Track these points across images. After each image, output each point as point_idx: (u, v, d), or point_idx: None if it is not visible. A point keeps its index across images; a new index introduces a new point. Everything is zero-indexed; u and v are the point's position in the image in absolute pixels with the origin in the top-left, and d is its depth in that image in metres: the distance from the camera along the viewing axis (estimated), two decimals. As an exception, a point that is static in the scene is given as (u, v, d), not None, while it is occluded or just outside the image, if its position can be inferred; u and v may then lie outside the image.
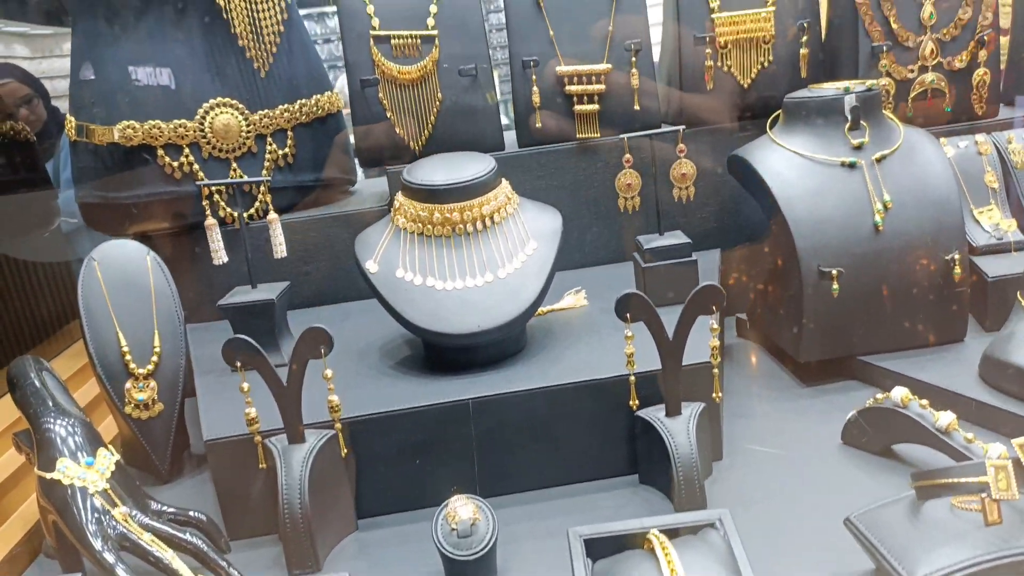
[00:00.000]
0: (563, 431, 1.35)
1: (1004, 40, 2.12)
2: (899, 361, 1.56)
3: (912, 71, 1.84)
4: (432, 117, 1.85)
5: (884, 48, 1.81)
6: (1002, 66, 2.05)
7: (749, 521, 1.11)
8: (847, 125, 1.60)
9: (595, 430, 1.35)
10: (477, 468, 1.34)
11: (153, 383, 1.45)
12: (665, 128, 1.71)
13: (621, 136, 1.65)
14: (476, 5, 1.84)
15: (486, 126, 1.89)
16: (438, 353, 1.47)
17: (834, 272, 1.52)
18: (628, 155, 1.66)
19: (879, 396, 1.32)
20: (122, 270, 1.49)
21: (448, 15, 1.82)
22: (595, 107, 1.86)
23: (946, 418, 1.22)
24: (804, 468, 1.35)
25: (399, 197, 1.51)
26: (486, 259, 1.44)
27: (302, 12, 1.99)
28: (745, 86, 1.89)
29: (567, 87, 1.86)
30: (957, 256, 1.54)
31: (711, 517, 0.96)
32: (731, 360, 1.82)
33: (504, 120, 2.04)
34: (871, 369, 1.58)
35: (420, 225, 1.46)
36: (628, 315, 1.23)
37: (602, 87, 1.86)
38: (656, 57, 1.99)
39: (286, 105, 1.85)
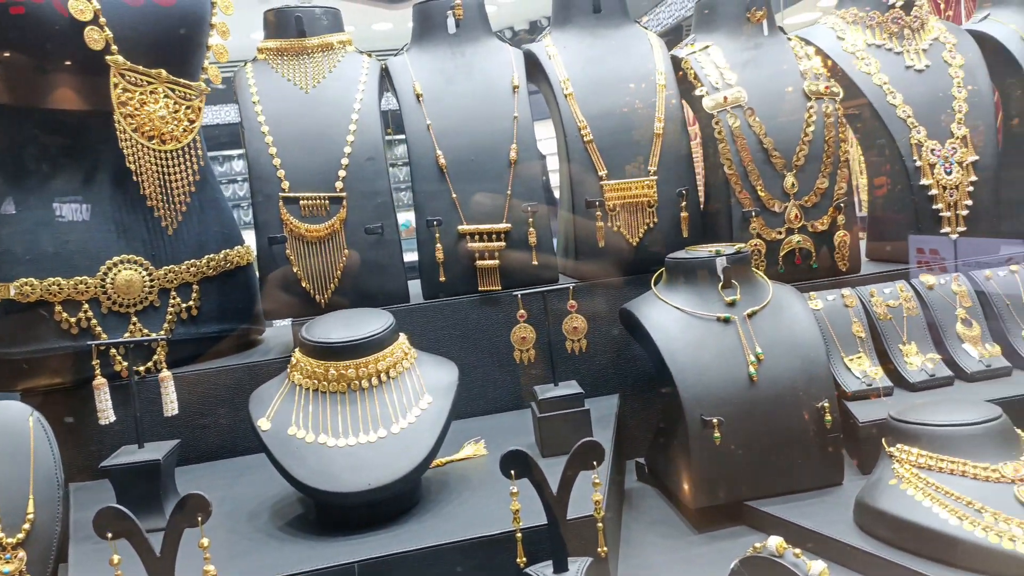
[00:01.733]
0: (453, 591, 1.33)
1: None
2: (782, 506, 1.62)
3: (780, 233, 2.04)
4: (338, 272, 1.92)
5: (753, 213, 2.01)
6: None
7: None
8: (720, 284, 1.75)
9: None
10: (363, 638, 1.29)
11: (22, 553, 1.37)
12: (557, 285, 1.82)
13: (515, 291, 1.74)
14: (382, 168, 1.97)
15: (391, 280, 1.97)
16: (330, 512, 1.45)
17: (715, 420, 1.61)
18: (522, 310, 1.76)
19: (757, 545, 1.37)
20: (1, 432, 1.44)
21: (356, 178, 1.94)
22: (495, 263, 1.98)
23: (817, 568, 1.27)
24: (693, 621, 1.36)
25: (296, 354, 1.54)
26: (380, 415, 1.47)
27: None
28: (634, 244, 2.06)
29: (469, 244, 1.98)
30: (826, 403, 1.66)
31: None
32: (630, 506, 1.85)
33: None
34: (757, 514, 1.64)
35: (316, 382, 1.49)
36: (512, 472, 1.26)
37: (502, 244, 1.99)
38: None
39: (192, 260, 1.89)
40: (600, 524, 1.31)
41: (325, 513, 1.46)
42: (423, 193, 1.98)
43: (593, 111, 2.06)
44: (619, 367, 2.09)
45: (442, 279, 1.97)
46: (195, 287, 1.91)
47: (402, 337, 1.59)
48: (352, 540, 1.36)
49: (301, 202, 1.90)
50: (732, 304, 1.74)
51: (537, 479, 1.26)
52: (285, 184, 1.91)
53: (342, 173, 1.93)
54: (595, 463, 1.27)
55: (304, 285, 1.91)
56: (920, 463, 1.45)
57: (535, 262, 2.00)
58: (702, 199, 2.20)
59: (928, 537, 1.35)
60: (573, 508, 1.34)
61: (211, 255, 1.94)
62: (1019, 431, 1.50)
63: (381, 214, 1.95)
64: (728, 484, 1.65)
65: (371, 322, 1.55)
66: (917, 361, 1.95)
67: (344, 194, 1.92)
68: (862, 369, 1.93)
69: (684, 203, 2.06)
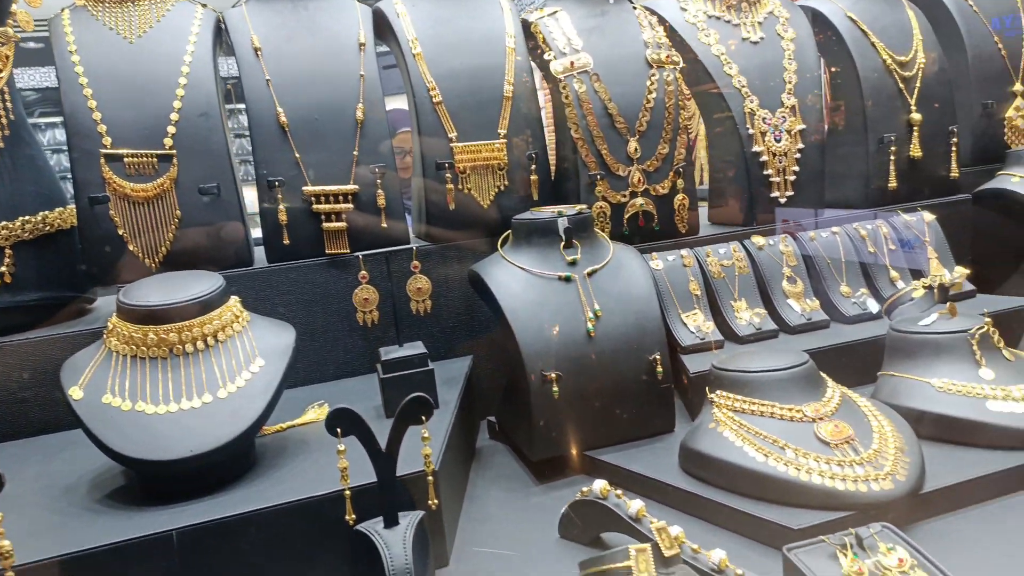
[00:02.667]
0: (282, 555, 1.31)
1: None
2: (617, 454, 1.70)
3: (624, 196, 2.11)
4: (170, 235, 1.82)
5: (599, 177, 2.07)
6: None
7: None
8: (562, 244, 1.79)
9: (317, 549, 1.32)
10: (185, 605, 1.25)
11: None
12: (400, 247, 1.81)
13: (357, 254, 1.71)
14: (218, 125, 1.87)
15: (231, 243, 1.89)
16: (153, 482, 1.39)
17: (553, 375, 1.65)
18: (363, 271, 1.73)
19: (584, 490, 1.43)
20: None
21: (188, 134, 1.84)
22: (342, 225, 1.94)
23: (635, 506, 1.34)
24: (523, 566, 1.40)
25: (112, 319, 1.45)
26: (205, 380, 1.41)
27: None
28: (485, 207, 2.07)
29: (315, 206, 1.92)
30: (658, 356, 1.74)
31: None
32: (478, 463, 1.88)
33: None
34: (595, 463, 1.71)
35: (134, 347, 1.41)
36: (339, 430, 1.24)
37: (350, 206, 1.94)
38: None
39: (4, 223, 1.73)
40: (430, 478, 1.32)
41: (148, 483, 1.39)
42: (264, 153, 1.90)
43: (442, 72, 2.04)
44: (473, 330, 2.11)
45: (286, 242, 1.91)
46: (8, 252, 1.75)
47: (233, 300, 1.53)
48: (173, 509, 1.31)
49: (125, 159, 1.78)
50: (573, 263, 1.79)
51: (364, 435, 1.26)
52: (107, 140, 1.77)
53: (171, 129, 1.82)
54: (424, 418, 1.28)
55: (132, 248, 1.80)
56: (736, 407, 1.55)
57: (384, 224, 1.97)
58: (552, 163, 2.23)
59: (738, 474, 1.45)
60: (408, 465, 1.35)
61: (26, 217, 1.78)
62: (824, 375, 1.64)
63: (217, 173, 1.85)
64: (567, 436, 1.70)
65: (196, 284, 1.48)
66: (746, 316, 2.09)
67: (174, 152, 1.81)
68: (696, 324, 2.04)
69: (534, 166, 2.08)
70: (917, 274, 2.28)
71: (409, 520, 1.31)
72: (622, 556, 0.98)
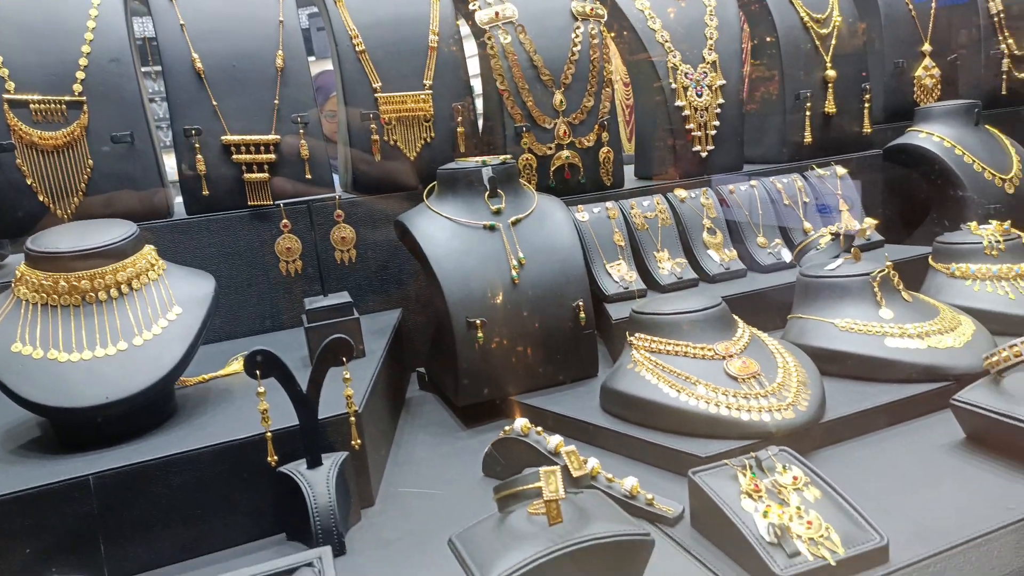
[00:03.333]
0: (205, 499, 1.31)
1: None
2: (542, 398, 1.75)
3: (550, 148, 2.14)
4: (82, 184, 1.76)
5: (524, 129, 2.09)
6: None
7: (384, 559, 1.20)
8: (487, 193, 1.80)
9: (239, 493, 1.33)
10: (104, 549, 1.24)
11: None
12: (322, 196, 1.79)
13: (278, 202, 1.70)
14: (130, 71, 1.81)
15: (148, 193, 1.84)
16: (69, 431, 1.36)
17: (478, 322, 1.68)
18: (285, 220, 1.72)
19: (507, 428, 1.47)
20: None
21: (98, 80, 1.77)
22: (264, 176, 1.91)
23: (554, 441, 1.39)
24: (448, 504, 1.44)
25: (20, 267, 1.40)
26: (120, 327, 1.39)
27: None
28: (411, 158, 2.06)
29: (235, 156, 1.88)
30: (581, 303, 1.79)
31: (308, 557, 1.00)
32: (407, 412, 1.90)
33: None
34: (520, 408, 1.75)
35: (44, 295, 1.37)
36: (257, 372, 1.25)
37: (272, 156, 1.91)
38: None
39: (-101, 170, 1.65)
40: (353, 419, 1.34)
41: (65, 432, 1.37)
42: (179, 100, 1.85)
43: (365, 20, 2.01)
44: (402, 283, 2.11)
45: (205, 192, 1.87)
46: (-96, 203, 1.67)
47: (148, 248, 1.50)
48: (90, 456, 1.29)
49: (31, 106, 1.71)
50: (498, 212, 1.81)
51: (283, 376, 1.26)
52: (10, 85, 1.70)
53: (80, 75, 1.75)
54: (344, 359, 1.29)
55: (42, 199, 1.74)
56: (652, 347, 1.61)
57: (308, 175, 1.94)
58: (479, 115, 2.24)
59: (654, 409, 1.51)
60: (331, 408, 1.37)
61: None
62: (736, 317, 1.71)
63: (130, 121, 1.80)
64: (492, 382, 1.74)
65: (108, 232, 1.44)
66: (668, 266, 2.15)
67: (84, 98, 1.75)
68: (620, 274, 2.09)
69: (460, 118, 2.09)
70: (829, 225, 2.39)
71: (332, 461, 1.34)
72: (533, 478, 1.02)
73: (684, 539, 1.22)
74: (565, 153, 2.15)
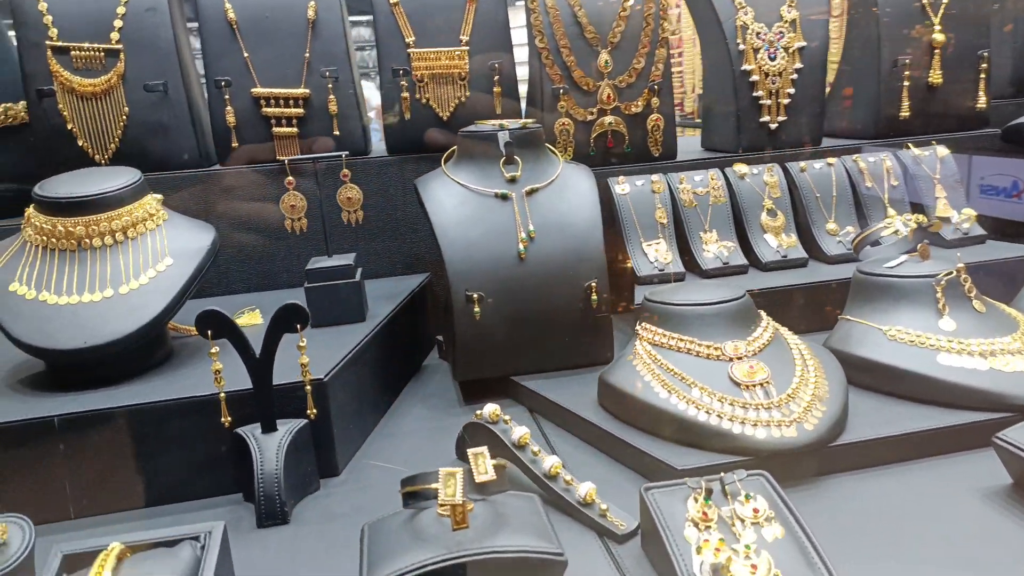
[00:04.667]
0: (169, 450, 1.33)
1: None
2: (544, 382, 1.64)
3: (592, 113, 1.98)
4: (119, 131, 1.82)
5: (562, 90, 1.94)
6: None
7: (320, 533, 1.18)
8: (502, 160, 1.69)
9: (202, 449, 1.34)
10: (69, 488, 1.29)
11: None
12: (331, 153, 1.75)
13: (282, 159, 1.67)
14: (166, 21, 1.83)
15: (180, 142, 1.88)
16: (58, 371, 1.42)
17: (475, 296, 1.60)
18: (290, 177, 1.69)
19: (479, 412, 1.39)
20: None
21: (135, 29, 1.81)
22: (293, 130, 1.89)
23: (519, 433, 1.30)
24: (410, 483, 1.39)
25: (29, 210, 1.47)
26: (110, 275, 1.42)
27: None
28: (444, 119, 1.98)
29: (264, 109, 1.88)
30: (594, 283, 1.65)
31: (197, 531, 0.97)
32: (417, 381, 1.86)
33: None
34: (519, 389, 1.66)
35: (45, 238, 1.43)
36: (209, 332, 1.23)
37: (301, 111, 1.89)
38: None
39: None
40: (308, 387, 1.31)
41: (54, 371, 1.43)
42: (212, 51, 1.86)
43: (403, -31, 1.93)
44: (433, 247, 2.05)
45: (235, 144, 1.88)
46: (-34, 142, 1.79)
47: (150, 197, 1.52)
48: (66, 396, 1.34)
49: (72, 52, 1.77)
50: (513, 180, 1.70)
51: (235, 339, 1.24)
52: (53, 32, 1.76)
53: (118, 23, 1.79)
54: (299, 326, 1.26)
55: (81, 144, 1.81)
56: (656, 341, 1.46)
57: (336, 132, 1.91)
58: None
59: (642, 409, 1.37)
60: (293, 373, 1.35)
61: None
62: (762, 314, 1.52)
63: (164, 71, 1.82)
64: (493, 359, 1.65)
65: (111, 180, 1.47)
66: (714, 248, 1.96)
67: (120, 46, 1.79)
68: (657, 254, 1.93)
69: (497, 77, 1.97)
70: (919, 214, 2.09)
71: (288, 428, 1.31)
72: (432, 477, 0.94)
73: (625, 560, 1.09)
74: (608, 119, 1.99)
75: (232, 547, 1.08)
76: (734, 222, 2.01)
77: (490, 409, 1.36)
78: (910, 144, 2.13)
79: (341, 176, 1.72)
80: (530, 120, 1.75)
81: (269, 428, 1.30)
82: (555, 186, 1.72)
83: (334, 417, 1.39)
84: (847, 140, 2.22)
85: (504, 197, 1.67)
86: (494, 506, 1.02)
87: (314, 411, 1.32)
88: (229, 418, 1.29)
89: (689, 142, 2.43)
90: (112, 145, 1.82)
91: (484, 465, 0.95)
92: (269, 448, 1.27)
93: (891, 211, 2.05)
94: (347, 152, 1.70)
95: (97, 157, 1.82)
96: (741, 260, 1.95)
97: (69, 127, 1.80)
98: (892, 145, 2.14)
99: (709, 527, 1.01)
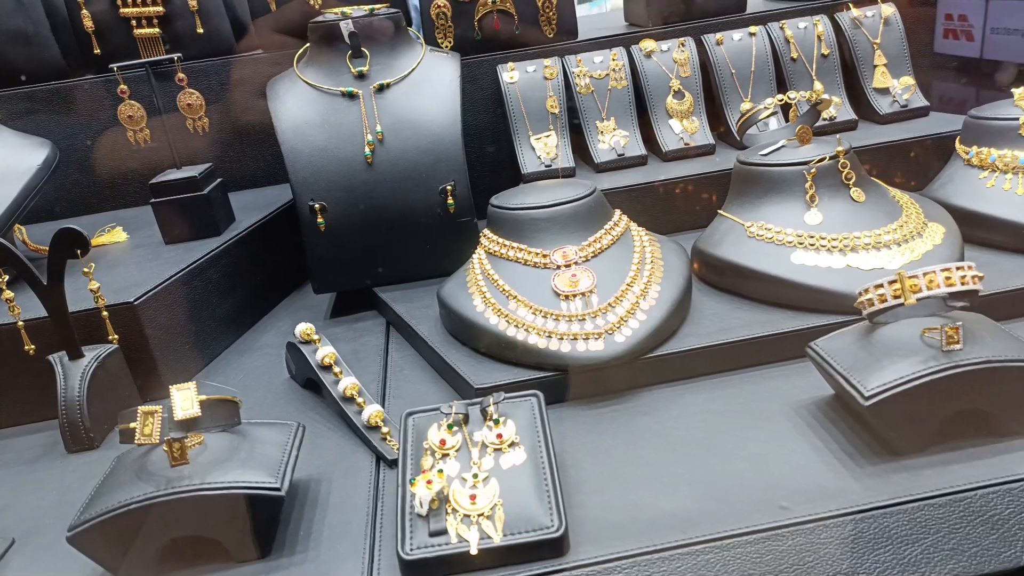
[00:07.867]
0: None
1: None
2: (402, 292, 1.57)
3: (473, -8, 1.78)
4: (-31, 43, 1.74)
5: (439, -32, 1.75)
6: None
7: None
8: (348, 53, 1.55)
9: (22, 374, 1.34)
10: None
11: None
12: (160, 57, 1.64)
13: (113, 65, 1.57)
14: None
15: (38, 51, 1.79)
16: None
17: (316, 206, 1.51)
18: (123, 86, 1.60)
19: (299, 330, 1.33)
20: None
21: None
22: (154, 31, 1.78)
23: (323, 353, 1.25)
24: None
25: None
26: (-75, 201, 1.39)
27: None
28: (316, 6, 1.82)
29: (122, 9, 1.76)
30: (450, 187, 1.53)
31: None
32: (299, 293, 1.81)
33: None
34: (378, 301, 1.60)
35: None
36: (-7, 261, 1.20)
37: (160, 9, 1.77)
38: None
39: None
40: (104, 313, 1.28)
41: None
42: (54, -51, 1.73)
43: None
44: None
45: (96, 52, 1.79)
46: None
47: (-28, 116, 1.46)
48: None
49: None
50: (360, 76, 1.56)
51: (19, 267, 1.21)
52: None
53: (-51, -76, 1.68)
54: (80, 252, 1.21)
55: (-66, 57, 1.75)
56: (491, 249, 1.36)
57: (200, 30, 1.79)
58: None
59: (461, 322, 1.30)
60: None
61: None
62: (618, 213, 1.39)
63: (9, -25, 1.72)
64: (348, 271, 1.58)
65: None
66: (609, 139, 1.79)
67: (-44, -49, 1.68)
68: (545, 149, 1.78)
69: (368, -39, 1.78)
70: (851, 85, 1.85)
71: (96, 354, 1.29)
72: (132, 416, 0.90)
73: (390, 486, 1.05)
74: (493, -2, 1.79)
75: (42, 470, 1.16)
76: (637, 108, 1.82)
77: (301, 328, 1.31)
78: (851, 4, 1.86)
79: (177, 80, 1.61)
80: (382, 4, 1.58)
81: (76, 355, 1.28)
82: (411, 80, 1.58)
83: (153, 341, 1.36)
84: (778, 2, 1.95)
85: (351, 96, 1.54)
86: (238, 439, 0.98)
87: (115, 336, 1.29)
88: (33, 346, 1.28)
89: (612, 17, 2.19)
90: (-35, 59, 1.75)
91: (190, 400, 0.90)
92: (73, 375, 1.26)
93: (817, 85, 1.81)
94: (179, 55, 1.59)
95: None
96: (639, 151, 1.78)
97: (-85, 42, 1.73)
98: (829, 8, 1.88)
99: (448, 455, 0.95)
